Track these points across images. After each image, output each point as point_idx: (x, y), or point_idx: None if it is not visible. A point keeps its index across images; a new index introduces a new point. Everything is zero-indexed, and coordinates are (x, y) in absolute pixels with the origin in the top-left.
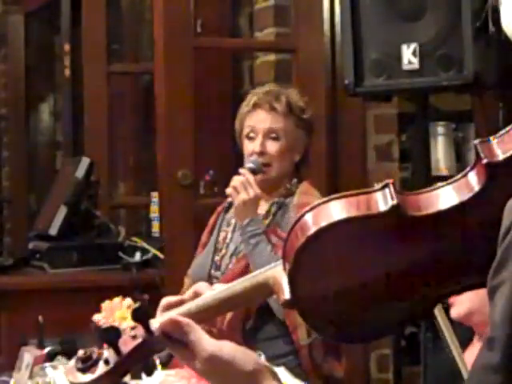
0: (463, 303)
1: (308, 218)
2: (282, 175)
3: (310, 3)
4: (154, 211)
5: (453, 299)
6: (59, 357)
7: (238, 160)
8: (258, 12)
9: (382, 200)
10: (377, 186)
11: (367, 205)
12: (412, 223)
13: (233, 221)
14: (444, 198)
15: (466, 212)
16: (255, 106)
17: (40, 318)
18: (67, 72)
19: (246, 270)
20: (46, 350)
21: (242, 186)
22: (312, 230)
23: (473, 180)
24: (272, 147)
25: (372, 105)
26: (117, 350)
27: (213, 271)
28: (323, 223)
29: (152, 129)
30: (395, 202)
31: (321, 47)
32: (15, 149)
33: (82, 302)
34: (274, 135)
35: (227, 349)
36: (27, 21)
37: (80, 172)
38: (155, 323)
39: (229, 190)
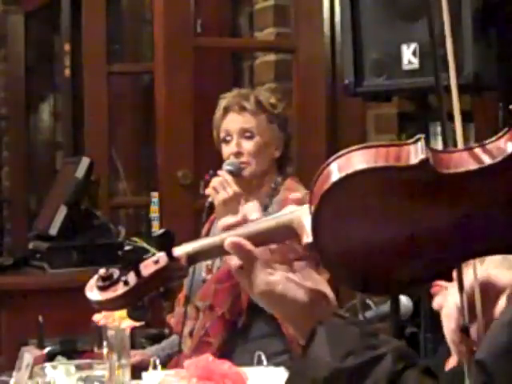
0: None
1: (336, 164)
2: (262, 172)
3: (310, 3)
4: (154, 211)
5: (438, 289)
6: (59, 357)
7: None
8: (258, 12)
9: (413, 153)
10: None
11: (396, 156)
12: (440, 180)
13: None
14: (475, 158)
15: (494, 175)
16: (226, 109)
17: (40, 317)
18: (67, 72)
19: None
20: (46, 350)
21: (221, 185)
22: (338, 175)
23: (504, 145)
24: (247, 146)
25: (372, 105)
26: (137, 272)
27: (204, 274)
28: (350, 170)
29: (152, 129)
30: (425, 155)
31: (321, 47)
32: (15, 149)
33: (82, 301)
34: (247, 134)
35: (280, 285)
36: (27, 21)
37: (80, 172)
38: (178, 251)
39: (208, 190)
